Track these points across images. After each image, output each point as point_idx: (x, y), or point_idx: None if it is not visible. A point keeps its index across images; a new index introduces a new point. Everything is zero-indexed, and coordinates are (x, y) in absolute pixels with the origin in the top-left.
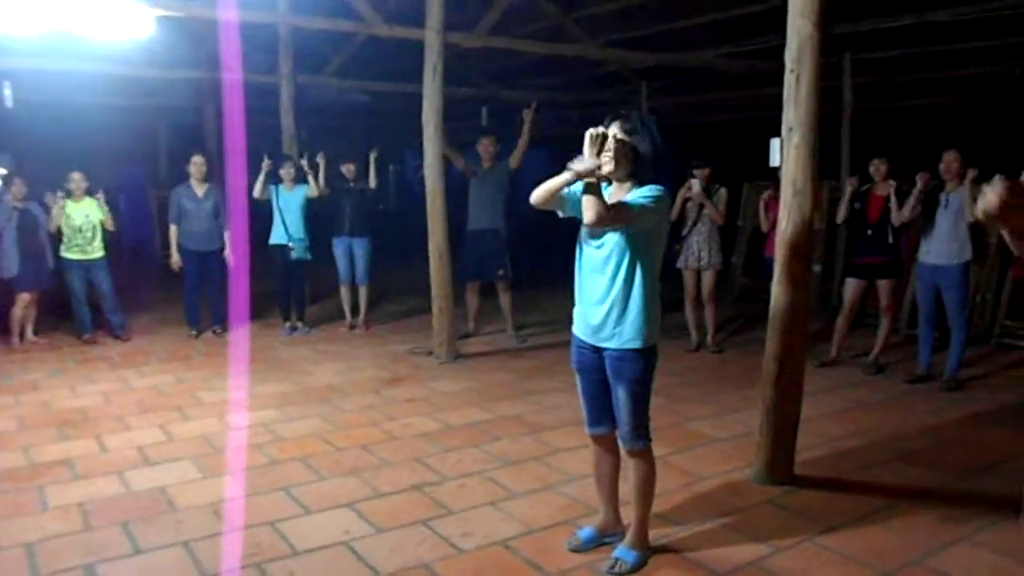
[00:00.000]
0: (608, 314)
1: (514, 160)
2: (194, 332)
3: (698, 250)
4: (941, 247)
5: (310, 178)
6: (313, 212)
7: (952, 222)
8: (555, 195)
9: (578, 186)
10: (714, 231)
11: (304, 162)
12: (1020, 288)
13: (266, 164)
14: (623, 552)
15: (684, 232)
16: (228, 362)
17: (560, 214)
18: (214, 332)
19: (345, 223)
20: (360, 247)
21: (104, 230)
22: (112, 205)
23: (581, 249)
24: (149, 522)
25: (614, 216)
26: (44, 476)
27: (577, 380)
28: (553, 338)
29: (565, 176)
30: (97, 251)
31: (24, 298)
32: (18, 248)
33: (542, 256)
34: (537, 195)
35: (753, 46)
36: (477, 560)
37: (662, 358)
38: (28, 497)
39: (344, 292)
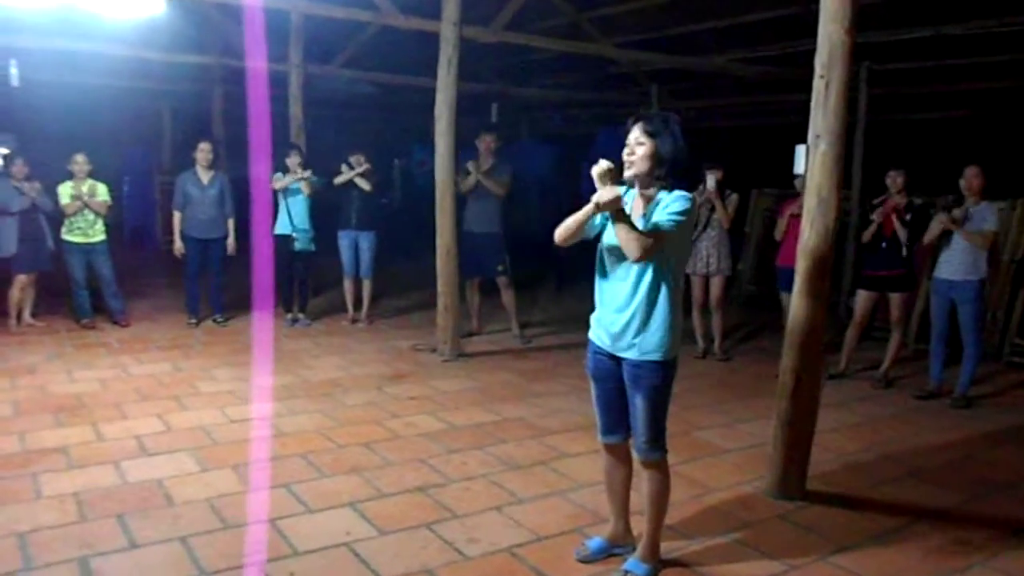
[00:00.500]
0: (629, 323)
1: (499, 188)
2: (194, 320)
3: (707, 255)
4: (957, 262)
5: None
6: (320, 204)
7: (973, 243)
8: (579, 231)
9: (598, 217)
10: (724, 236)
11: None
12: None
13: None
14: (634, 565)
15: (693, 237)
16: (228, 352)
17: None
18: (214, 321)
19: (352, 216)
20: (366, 240)
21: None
22: (115, 188)
23: (602, 253)
24: (145, 515)
25: (655, 245)
26: (38, 463)
27: (592, 387)
28: (557, 339)
29: (587, 209)
30: (99, 234)
31: (21, 279)
32: (17, 229)
33: (544, 257)
34: (560, 235)
35: (767, 52)
36: (483, 567)
37: None
38: (21, 484)
39: (348, 285)
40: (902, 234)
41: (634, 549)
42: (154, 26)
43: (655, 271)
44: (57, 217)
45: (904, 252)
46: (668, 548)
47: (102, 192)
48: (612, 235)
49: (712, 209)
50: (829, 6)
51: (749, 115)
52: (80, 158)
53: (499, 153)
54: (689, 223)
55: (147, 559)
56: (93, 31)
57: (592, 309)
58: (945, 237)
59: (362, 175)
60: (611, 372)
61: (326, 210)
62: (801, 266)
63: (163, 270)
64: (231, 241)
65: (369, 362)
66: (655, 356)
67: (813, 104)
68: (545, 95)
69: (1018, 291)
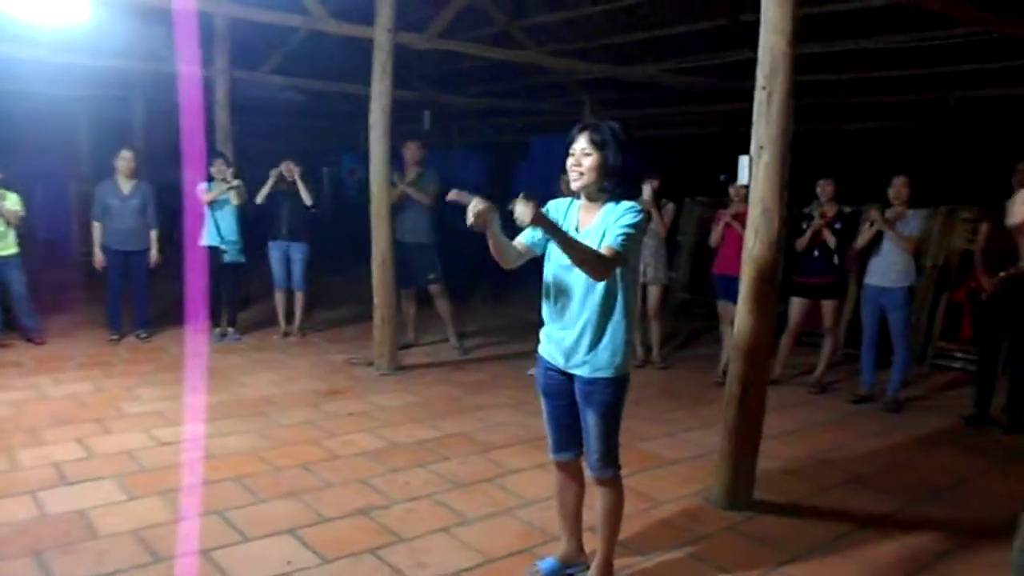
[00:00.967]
0: (579, 339)
1: (426, 198)
2: (116, 336)
3: (644, 265)
4: (888, 269)
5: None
6: (249, 214)
7: (899, 245)
8: (506, 252)
9: (537, 233)
10: (661, 246)
11: (280, 172)
12: (954, 310)
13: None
14: None
15: None
16: (153, 370)
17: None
18: (138, 336)
19: (283, 227)
20: (298, 252)
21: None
22: (27, 197)
23: (549, 266)
24: (67, 551)
25: (612, 266)
26: None
27: (543, 403)
28: (496, 350)
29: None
30: (11, 247)
31: None
32: None
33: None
34: (497, 259)
35: (696, 63)
36: None
37: None
38: None
39: (279, 298)
40: (831, 241)
41: (587, 568)
42: (74, 30)
43: (607, 287)
44: None
45: (836, 260)
46: (621, 565)
47: (13, 200)
48: (558, 251)
49: (649, 220)
50: (771, 18)
51: (679, 124)
52: None
53: (425, 162)
54: (641, 236)
55: None
56: (5, 33)
57: (530, 319)
58: (875, 244)
59: (297, 182)
60: (563, 389)
61: (255, 220)
62: (747, 275)
63: (80, 284)
64: (154, 253)
65: (303, 378)
66: (607, 373)
67: (755, 115)
68: (477, 103)
69: (940, 296)
